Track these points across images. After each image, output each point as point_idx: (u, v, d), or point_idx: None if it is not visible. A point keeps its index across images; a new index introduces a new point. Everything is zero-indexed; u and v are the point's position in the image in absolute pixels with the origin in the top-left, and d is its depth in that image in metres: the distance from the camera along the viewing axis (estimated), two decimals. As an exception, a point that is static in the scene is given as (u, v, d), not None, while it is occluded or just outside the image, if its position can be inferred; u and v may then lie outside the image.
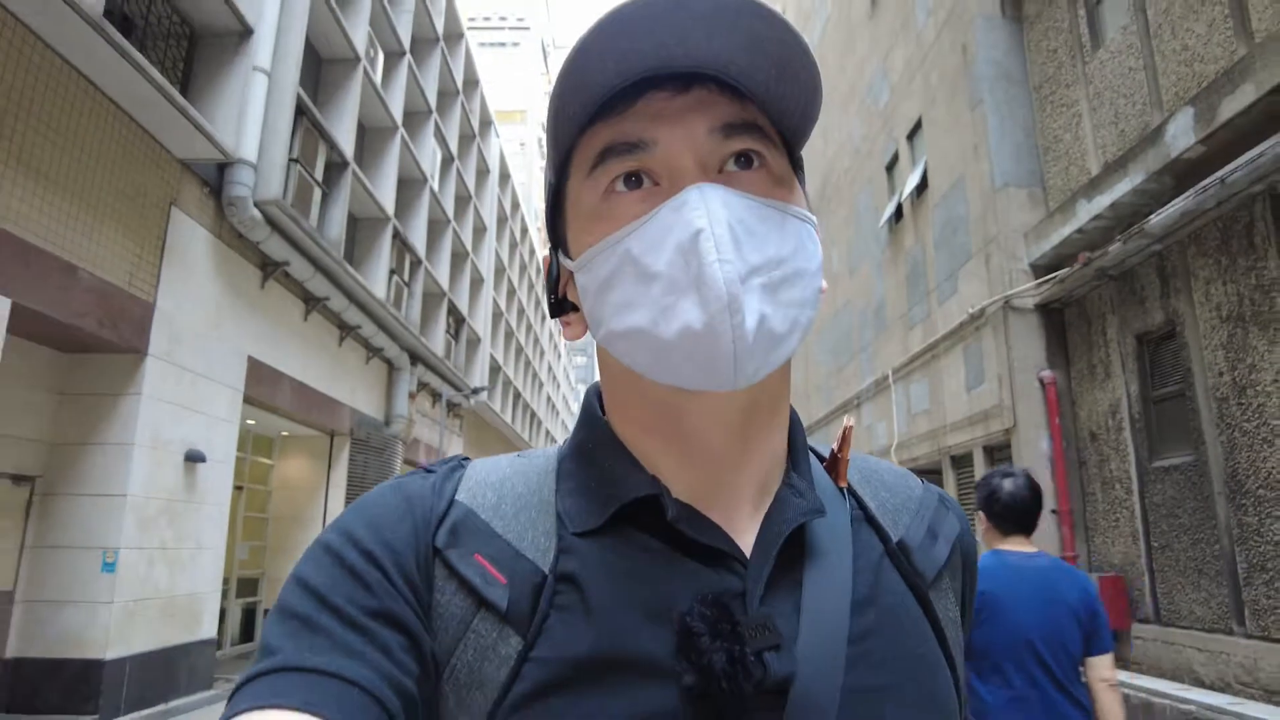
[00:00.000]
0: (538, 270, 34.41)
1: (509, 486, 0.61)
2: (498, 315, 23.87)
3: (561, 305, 0.64)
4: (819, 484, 0.64)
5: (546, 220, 0.66)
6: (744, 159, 0.57)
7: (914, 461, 11.52)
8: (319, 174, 10.47)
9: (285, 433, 12.72)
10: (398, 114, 13.35)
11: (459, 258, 18.60)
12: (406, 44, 14.07)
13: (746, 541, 0.59)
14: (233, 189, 8.56)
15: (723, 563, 0.56)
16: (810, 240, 0.58)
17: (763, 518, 0.60)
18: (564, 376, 50.30)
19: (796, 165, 0.63)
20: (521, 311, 29.22)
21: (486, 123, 22.09)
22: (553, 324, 43.23)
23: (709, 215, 0.52)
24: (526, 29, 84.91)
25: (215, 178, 8.66)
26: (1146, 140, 6.79)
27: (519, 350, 28.42)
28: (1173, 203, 6.52)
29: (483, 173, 21.64)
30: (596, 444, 0.62)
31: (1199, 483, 6.65)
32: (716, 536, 0.57)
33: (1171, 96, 6.98)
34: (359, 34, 11.68)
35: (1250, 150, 5.71)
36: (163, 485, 7.86)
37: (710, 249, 0.51)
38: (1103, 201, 7.34)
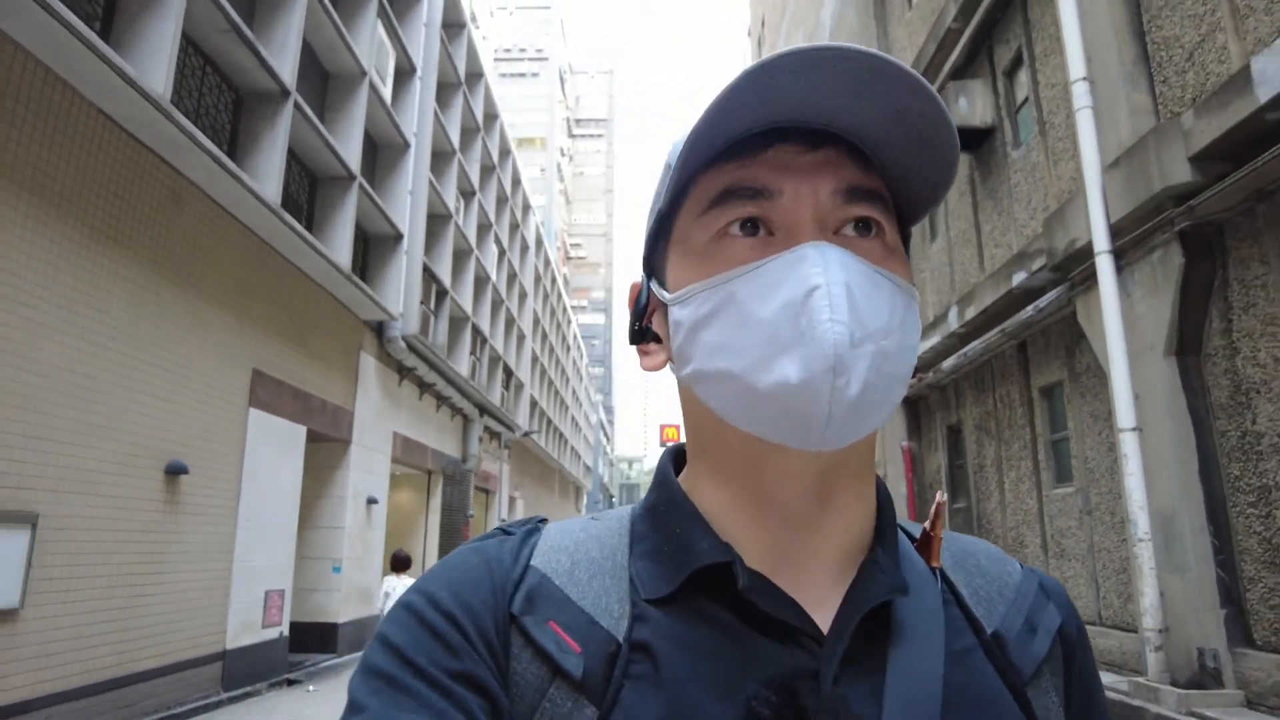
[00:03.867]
0: (565, 311, 39.34)
1: (583, 551, 0.60)
2: (535, 360, 28.81)
3: (644, 334, 0.63)
4: (909, 563, 0.61)
5: (646, 248, 0.65)
6: (863, 225, 0.56)
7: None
8: (432, 304, 15.41)
9: (397, 473, 17.64)
10: (472, 239, 18.29)
11: (509, 324, 23.54)
12: (476, 184, 19.00)
13: (823, 616, 0.55)
14: (390, 331, 13.49)
15: (795, 639, 0.54)
16: (913, 316, 0.57)
17: (844, 593, 0.57)
18: (585, 395, 55.25)
19: (905, 238, 0.62)
20: (552, 350, 34.20)
21: (526, 207, 27.06)
22: (576, 330, 48.04)
23: (827, 274, 0.51)
24: (545, 59, 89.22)
25: (377, 325, 13.61)
26: (940, 316, 11.49)
27: (549, 383, 33.39)
28: (950, 357, 11.23)
29: (525, 248, 26.57)
30: (669, 506, 0.61)
31: (968, 519, 11.36)
32: (789, 610, 0.54)
33: (956, 291, 11.67)
34: (449, 195, 16.60)
35: (978, 339, 10.40)
36: (358, 520, 12.79)
37: (824, 307, 0.50)
38: (926, 345, 12.03)
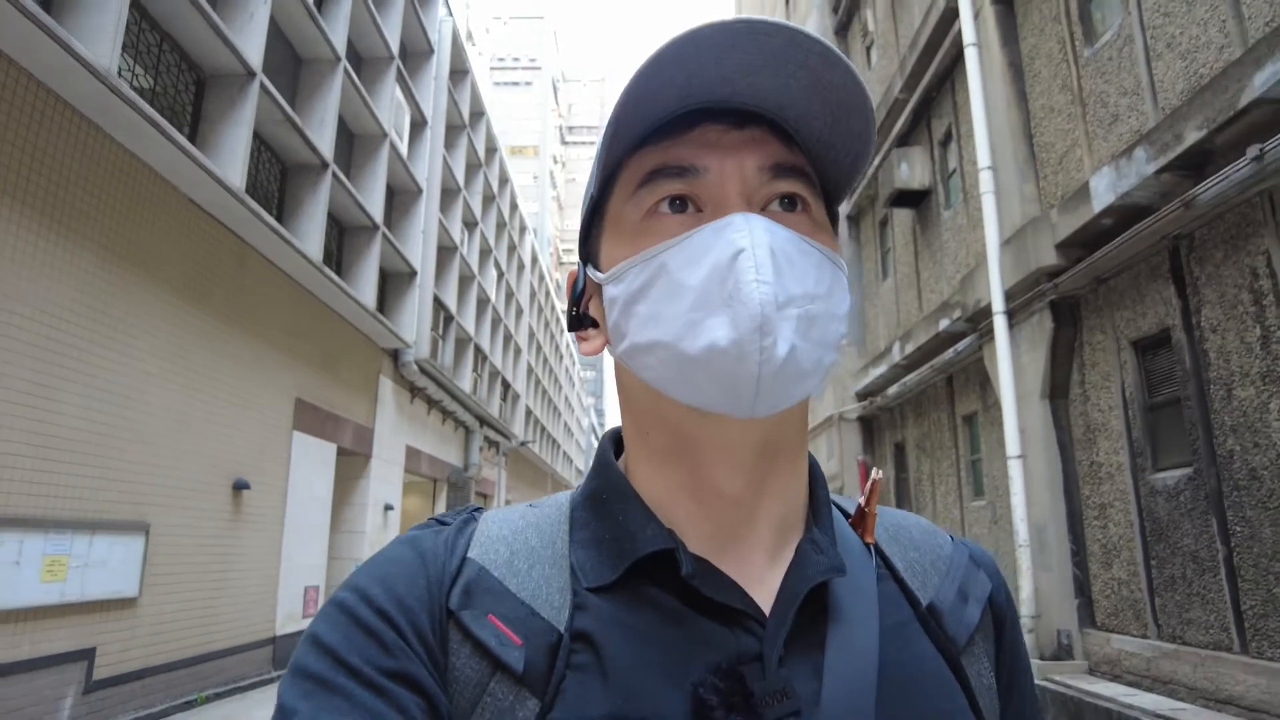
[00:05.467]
0: (558, 320, 40.93)
1: (521, 540, 0.59)
2: (530, 371, 30.43)
3: (581, 320, 0.63)
4: (844, 540, 0.62)
5: (581, 234, 0.65)
6: (788, 200, 0.57)
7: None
8: (440, 329, 17.04)
9: (407, 481, 19.25)
10: (475, 266, 19.90)
11: (507, 340, 25.16)
12: (478, 215, 20.63)
13: (763, 595, 0.56)
14: (405, 356, 15.11)
15: (739, 622, 0.54)
16: (841, 286, 0.58)
17: (783, 573, 0.57)
18: (577, 401, 56.84)
19: (833, 218, 0.63)
20: (545, 361, 35.82)
21: (523, 228, 28.68)
22: (569, 339, 49.61)
23: (752, 238, 0.52)
24: (538, 69, 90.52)
25: (393, 352, 15.22)
26: (888, 349, 13.19)
27: (543, 392, 35.02)
28: (894, 385, 12.92)
29: (521, 267, 28.18)
30: (610, 492, 0.60)
31: (909, 524, 13.06)
32: (733, 595, 0.54)
33: (901, 328, 13.38)
34: (455, 228, 18.21)
35: (915, 372, 12.10)
36: (376, 524, 14.40)
37: (750, 268, 0.51)
38: (876, 372, 13.72)
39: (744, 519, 0.58)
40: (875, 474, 0.67)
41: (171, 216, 8.21)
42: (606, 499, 0.60)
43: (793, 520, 0.60)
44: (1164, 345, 6.72)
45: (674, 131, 0.57)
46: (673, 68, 0.53)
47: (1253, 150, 5.22)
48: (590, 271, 0.62)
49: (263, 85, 8.87)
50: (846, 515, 0.67)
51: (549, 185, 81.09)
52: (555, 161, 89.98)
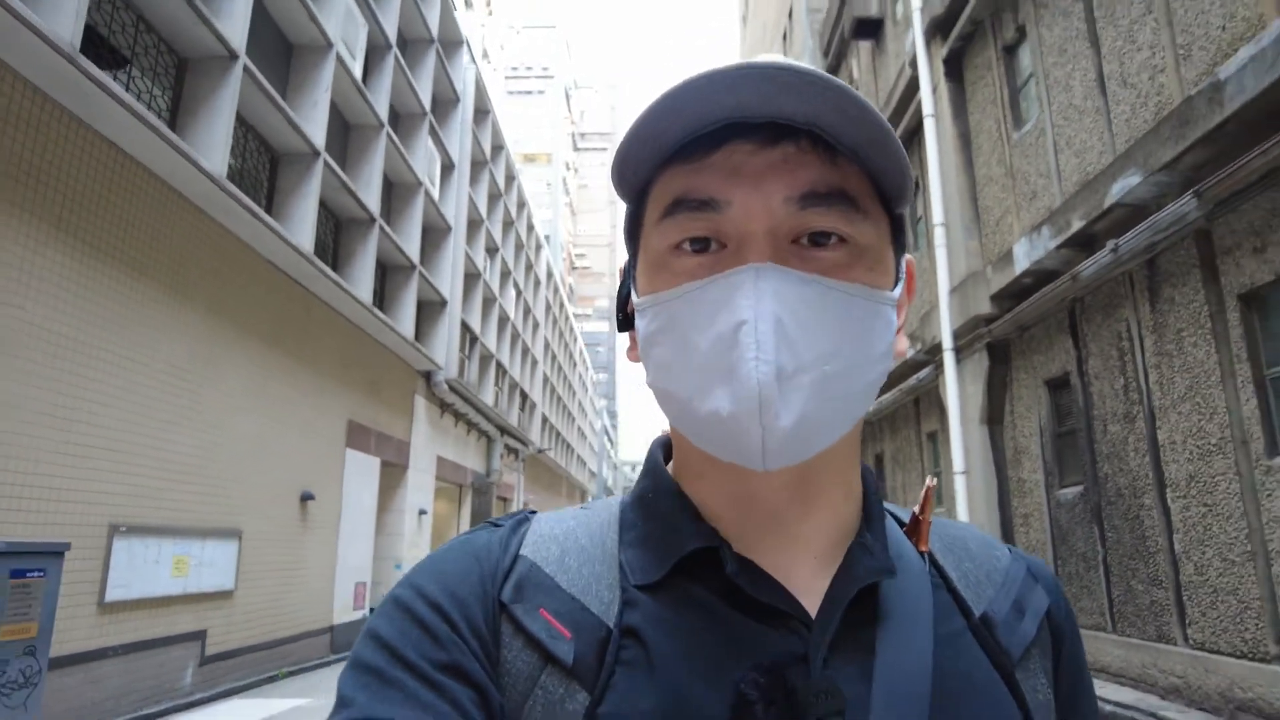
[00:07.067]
0: (571, 330, 42.59)
1: (572, 539, 0.60)
2: (545, 381, 32.09)
3: (630, 321, 0.62)
4: (898, 548, 0.61)
5: (626, 236, 0.63)
6: (821, 233, 0.53)
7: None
8: (466, 350, 18.70)
9: (437, 487, 20.94)
10: (496, 288, 21.56)
11: (524, 353, 26.82)
12: (499, 241, 22.27)
13: (811, 599, 0.55)
14: (436, 377, 16.76)
15: (784, 622, 0.54)
16: (879, 323, 0.55)
17: (832, 576, 0.57)
18: (590, 405, 58.51)
19: (897, 226, 0.59)
20: (560, 369, 37.50)
21: (539, 245, 30.33)
22: (581, 345, 51.16)
23: (756, 306, 0.50)
24: (551, 77, 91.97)
25: (426, 373, 16.89)
26: (867, 371, 14.70)
27: (558, 400, 36.69)
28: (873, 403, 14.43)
29: (537, 283, 29.84)
30: (658, 494, 0.61)
31: (886, 528, 14.59)
32: (777, 595, 0.54)
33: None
34: (479, 256, 19.87)
35: (889, 392, 13.62)
36: (412, 528, 16.07)
37: (750, 344, 0.50)
38: (859, 390, 15.24)
39: (791, 528, 0.58)
40: (929, 480, 0.66)
41: (253, 276, 9.87)
42: (654, 499, 0.61)
43: (844, 529, 0.59)
44: (1066, 386, 8.23)
45: (699, 154, 0.54)
46: (685, 99, 0.51)
47: (1110, 244, 6.75)
48: (632, 286, 0.61)
49: (325, 162, 10.52)
50: (901, 524, 0.66)
51: (562, 192, 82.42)
52: (568, 168, 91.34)
